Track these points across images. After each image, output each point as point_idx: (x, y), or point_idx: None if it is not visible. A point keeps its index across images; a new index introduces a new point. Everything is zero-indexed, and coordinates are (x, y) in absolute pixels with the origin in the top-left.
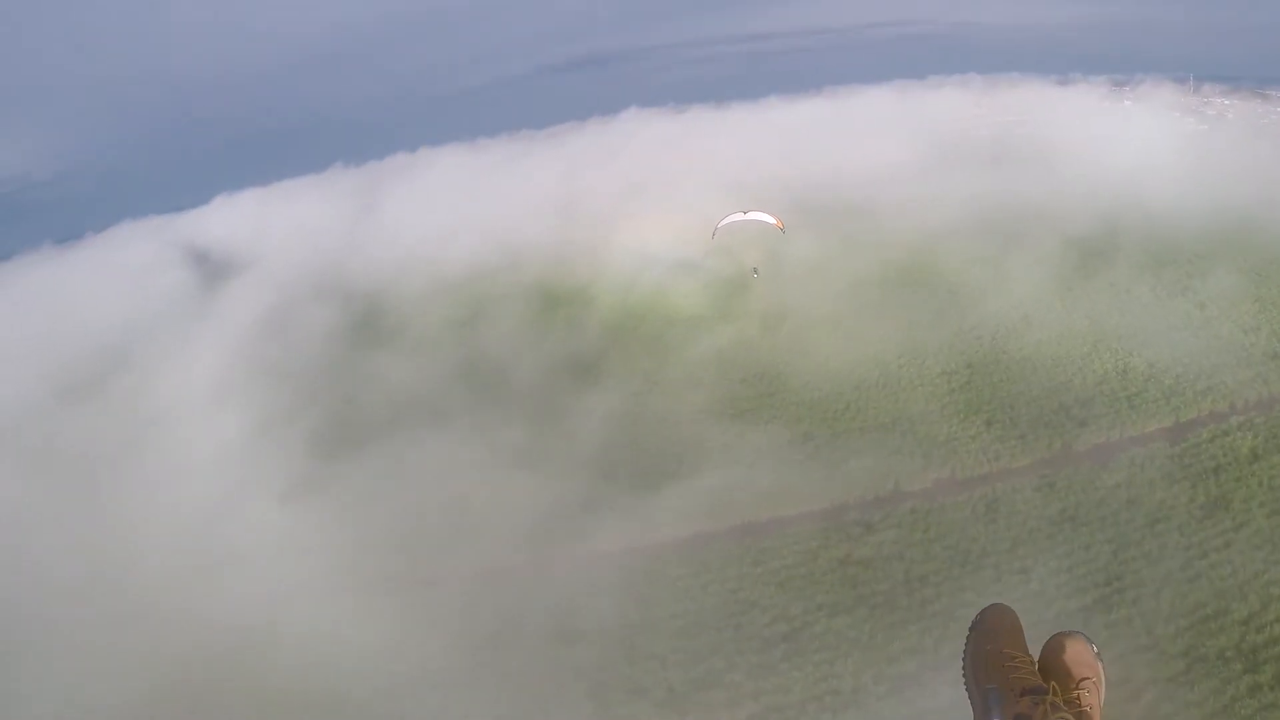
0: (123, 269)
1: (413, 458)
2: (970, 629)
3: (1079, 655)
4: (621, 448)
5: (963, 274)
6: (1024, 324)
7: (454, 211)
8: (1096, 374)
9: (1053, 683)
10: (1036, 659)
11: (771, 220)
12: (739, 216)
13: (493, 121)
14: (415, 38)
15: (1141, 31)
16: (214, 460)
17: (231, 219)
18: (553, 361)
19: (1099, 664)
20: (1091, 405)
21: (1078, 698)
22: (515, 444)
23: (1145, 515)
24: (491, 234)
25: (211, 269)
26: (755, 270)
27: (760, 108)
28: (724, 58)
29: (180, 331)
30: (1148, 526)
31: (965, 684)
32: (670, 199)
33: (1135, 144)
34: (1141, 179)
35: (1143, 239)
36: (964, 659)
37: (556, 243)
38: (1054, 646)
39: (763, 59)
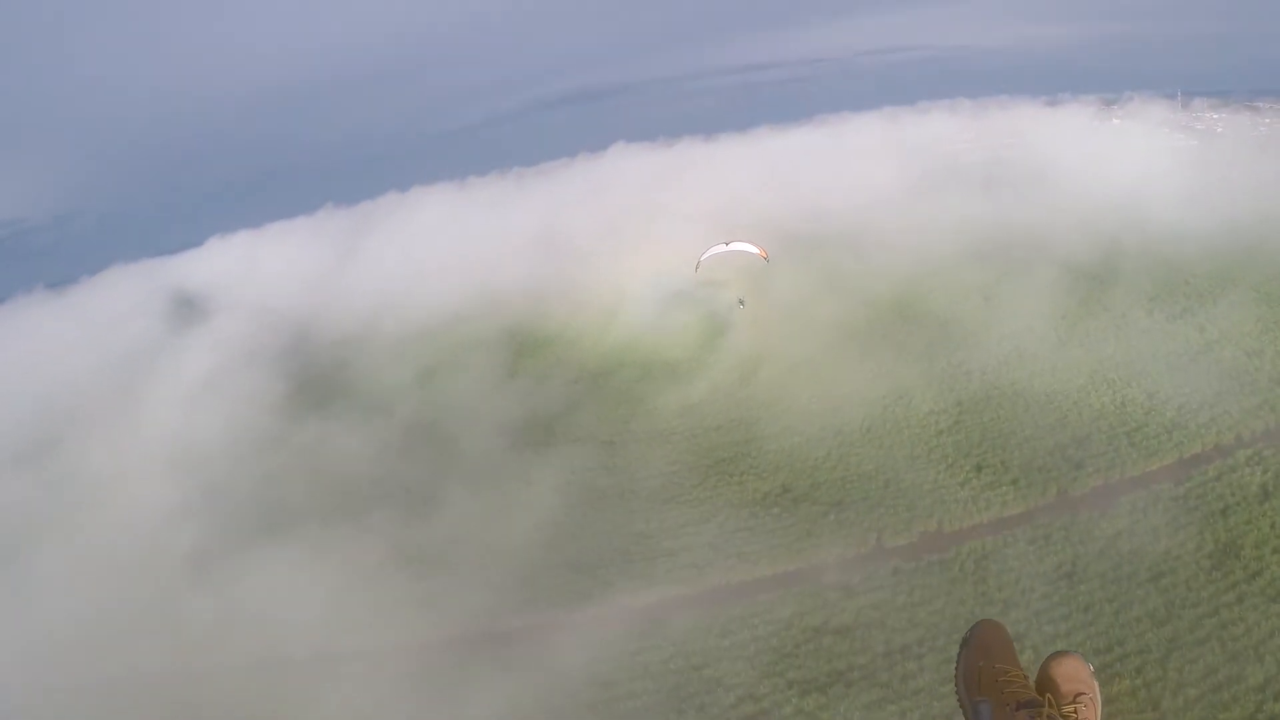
0: (100, 317)
1: (305, 560)
2: (961, 645)
3: (1074, 673)
4: (566, 539)
5: (953, 306)
6: (1016, 357)
7: (436, 254)
8: (1093, 409)
9: (1048, 695)
10: (1033, 679)
11: (755, 250)
12: (721, 249)
13: (483, 159)
14: (408, 75)
15: (1129, 49)
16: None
17: (218, 263)
18: (510, 423)
19: (1095, 682)
20: (1088, 444)
21: (1074, 711)
22: (442, 538)
23: (1149, 568)
24: (470, 277)
25: (187, 316)
26: (741, 302)
27: (750, 138)
28: (715, 90)
29: (131, 392)
30: (1152, 581)
31: (959, 701)
32: (654, 235)
33: (1128, 163)
34: (1136, 199)
35: (1139, 262)
36: (956, 676)
37: (534, 285)
38: (1049, 665)
39: (754, 89)
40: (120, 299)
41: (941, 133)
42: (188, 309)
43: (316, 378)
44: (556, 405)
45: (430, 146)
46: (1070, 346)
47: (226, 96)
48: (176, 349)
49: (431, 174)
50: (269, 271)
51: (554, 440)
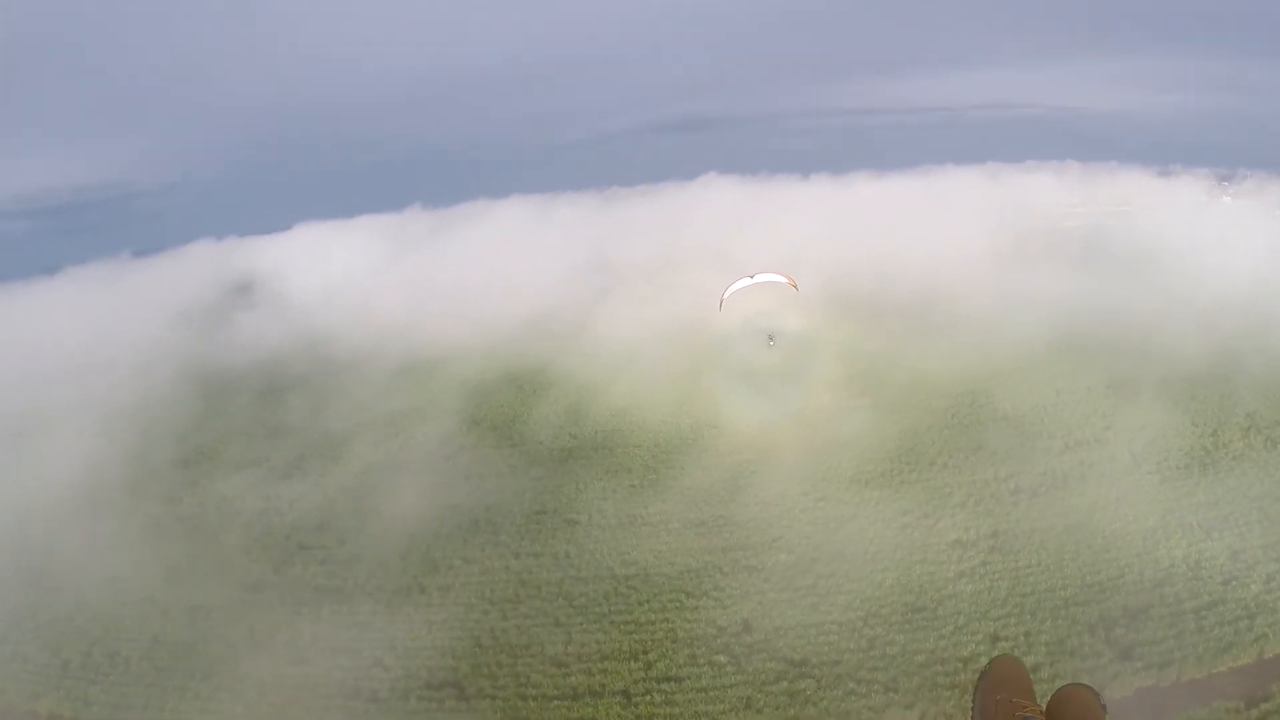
0: (162, 294)
1: None
2: (979, 678)
3: (1086, 706)
4: None
5: (1017, 402)
6: (1078, 478)
7: (483, 273)
8: (1159, 567)
9: None
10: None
11: (782, 279)
12: (747, 281)
13: (576, 177)
14: (522, 87)
15: (1246, 123)
16: None
17: (287, 252)
18: (448, 513)
19: (1105, 714)
20: (1144, 621)
21: None
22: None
23: None
24: (502, 302)
25: (232, 304)
26: (771, 338)
27: (845, 182)
28: (820, 130)
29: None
30: None
31: None
32: (706, 274)
33: (1247, 250)
34: (1256, 297)
35: (1248, 375)
36: (973, 709)
37: (558, 319)
38: (1061, 698)
39: (860, 133)
40: (188, 276)
41: (1045, 195)
42: (243, 295)
43: (275, 415)
44: (505, 498)
45: (531, 160)
46: (1145, 471)
47: (339, 87)
48: (190, 339)
49: (528, 186)
50: (325, 271)
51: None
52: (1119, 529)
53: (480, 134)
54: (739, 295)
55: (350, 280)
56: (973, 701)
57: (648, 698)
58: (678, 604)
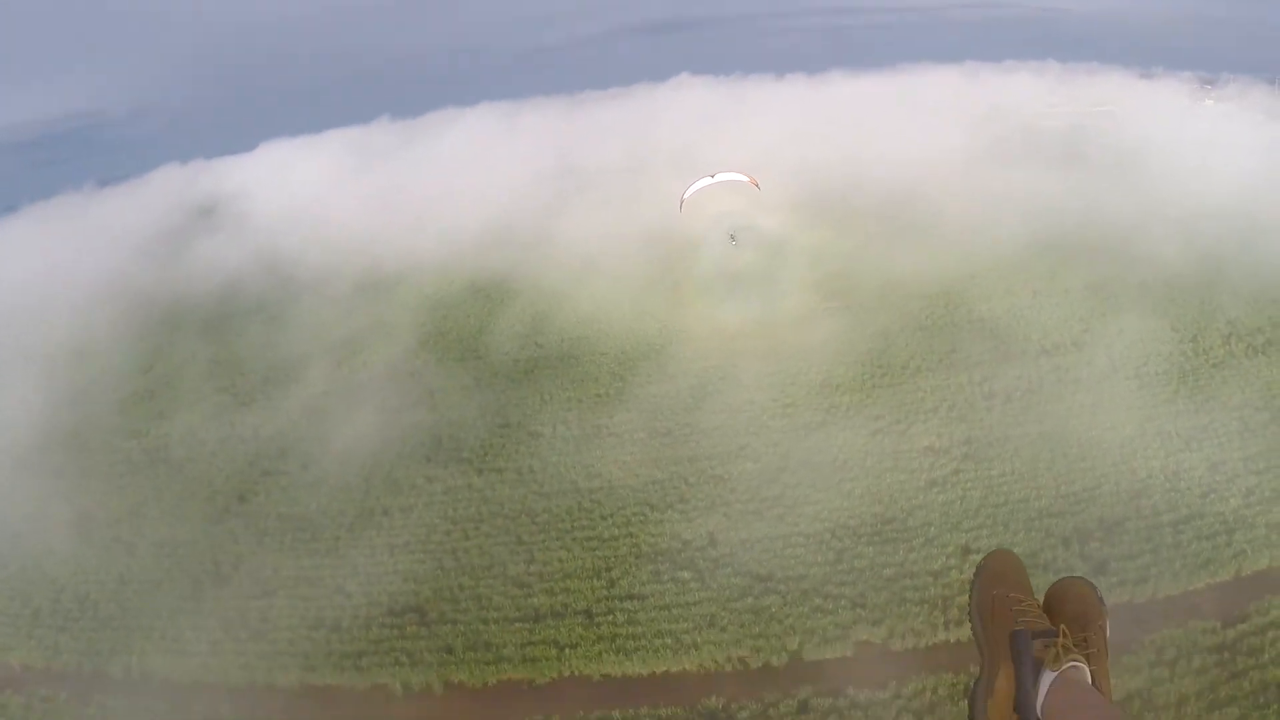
0: (122, 224)
1: None
2: (975, 575)
3: (1085, 600)
4: None
5: (993, 305)
6: (1054, 382)
7: (448, 184)
8: (1137, 477)
9: (1062, 625)
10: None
11: (744, 179)
12: (707, 181)
13: (548, 82)
14: None
15: (1230, 28)
16: None
17: (254, 171)
18: (411, 431)
19: (1104, 608)
20: (1120, 534)
21: (1085, 640)
22: None
23: None
24: (469, 212)
25: (196, 229)
26: (733, 238)
27: (820, 81)
28: (797, 30)
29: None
30: None
31: (973, 631)
32: (673, 177)
33: (1233, 157)
34: (1243, 204)
35: (1232, 282)
36: (970, 605)
37: (522, 228)
38: (1059, 591)
39: (836, 33)
40: (151, 203)
41: (1023, 95)
42: (205, 219)
43: (222, 354)
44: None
45: (503, 65)
46: (1123, 377)
47: (316, 2)
48: (149, 268)
49: (498, 92)
50: (287, 189)
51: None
52: (1095, 437)
53: (450, 41)
54: (700, 196)
55: (313, 197)
56: (969, 598)
57: (610, 617)
58: (641, 517)
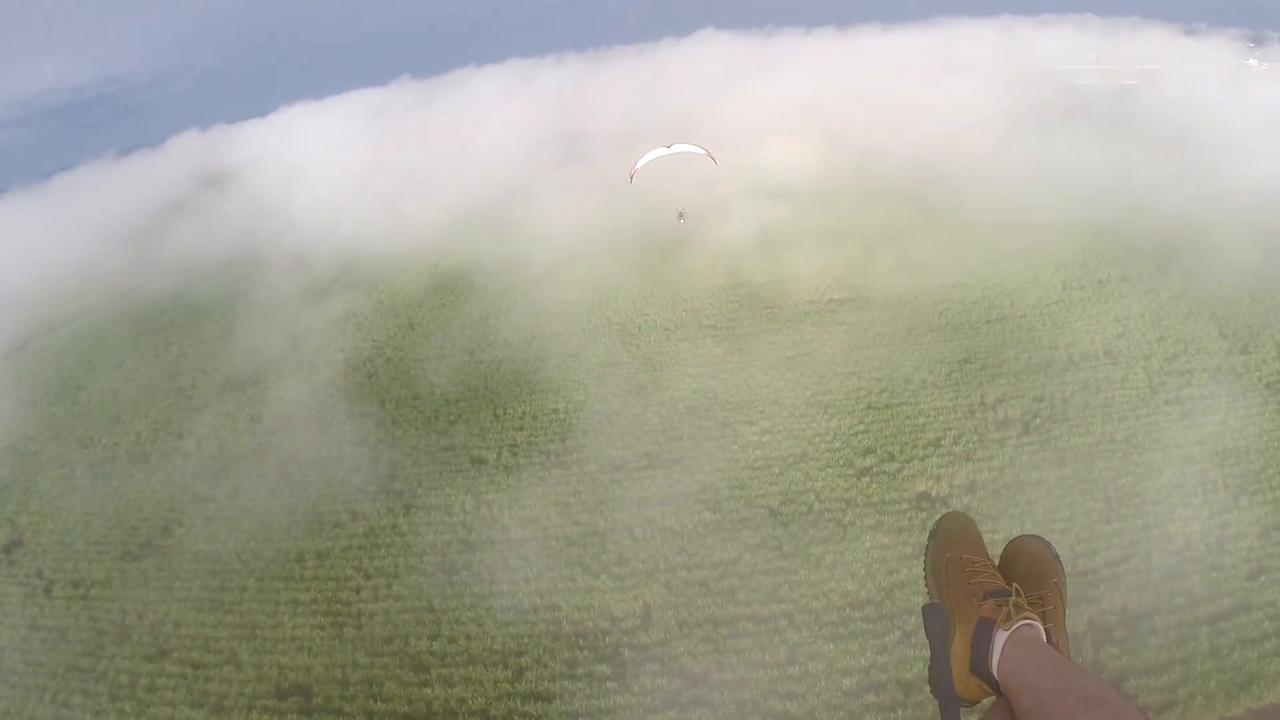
0: (125, 194)
1: None
2: (929, 538)
3: (1040, 558)
4: None
5: (1023, 306)
6: (1080, 402)
7: (450, 150)
8: (1173, 546)
9: (1015, 585)
10: (997, 563)
11: (700, 151)
12: (662, 151)
13: (568, 38)
14: None
15: None
16: None
17: (269, 135)
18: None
19: (1060, 565)
20: (1145, 631)
21: (1041, 598)
22: None
23: None
24: (450, 188)
25: (202, 198)
26: (681, 215)
27: (850, 35)
28: None
29: None
30: None
31: (928, 591)
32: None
33: None
34: None
35: None
36: (925, 568)
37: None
38: (1014, 551)
39: None
40: (164, 171)
41: (1061, 51)
42: (213, 187)
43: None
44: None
45: (525, 21)
46: (1163, 401)
47: None
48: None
49: (521, 49)
50: (301, 154)
51: None
52: (1125, 487)
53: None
54: (653, 166)
55: (314, 167)
56: (924, 563)
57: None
58: (569, 583)
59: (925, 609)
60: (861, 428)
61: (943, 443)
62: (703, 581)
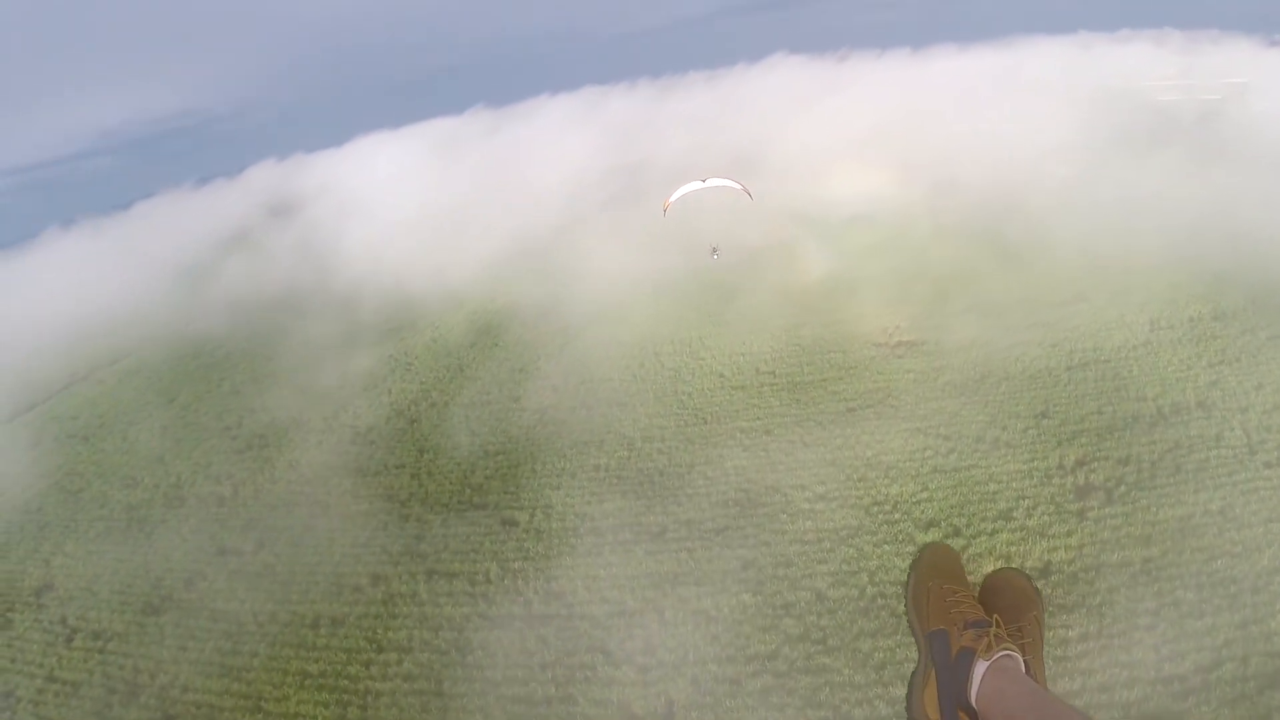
0: (197, 227)
1: None
2: (911, 567)
3: (1020, 591)
4: None
5: (1106, 350)
6: (1170, 464)
7: (514, 181)
8: (1272, 647)
9: (995, 615)
10: (977, 594)
11: (736, 185)
12: (697, 185)
13: (639, 65)
14: None
15: None
16: None
17: (344, 167)
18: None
19: (1040, 599)
20: None
21: (1020, 630)
22: None
23: None
24: (510, 225)
25: (263, 233)
26: (715, 251)
27: (923, 57)
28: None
29: None
30: None
31: (909, 621)
32: (729, 179)
33: None
34: None
35: None
36: (906, 597)
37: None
38: (994, 582)
39: (943, 1)
40: (236, 203)
41: (1141, 66)
42: (280, 217)
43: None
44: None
45: (598, 50)
46: (1262, 464)
47: None
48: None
49: (594, 76)
50: (361, 183)
51: None
52: (1218, 571)
53: (546, 26)
54: (705, 202)
55: (377, 200)
56: (905, 590)
57: None
58: (588, 673)
59: (930, 635)
60: (925, 495)
61: (1015, 514)
62: (734, 679)
